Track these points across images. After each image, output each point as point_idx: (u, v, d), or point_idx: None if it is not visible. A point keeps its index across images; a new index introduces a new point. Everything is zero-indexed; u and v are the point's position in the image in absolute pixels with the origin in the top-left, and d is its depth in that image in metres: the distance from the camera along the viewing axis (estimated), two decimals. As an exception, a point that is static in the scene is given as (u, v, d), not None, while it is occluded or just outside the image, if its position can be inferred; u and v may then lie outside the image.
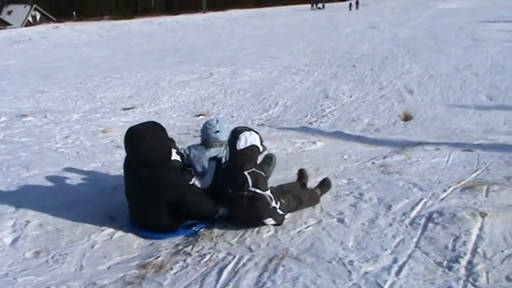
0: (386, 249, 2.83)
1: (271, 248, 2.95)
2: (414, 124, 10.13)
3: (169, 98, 13.35)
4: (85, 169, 4.61)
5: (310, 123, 10.82)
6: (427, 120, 10.34)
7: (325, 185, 3.77)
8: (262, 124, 10.31)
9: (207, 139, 3.67)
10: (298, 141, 6.12)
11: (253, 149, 3.09)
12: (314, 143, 6.22)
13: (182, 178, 3.27)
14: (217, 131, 3.62)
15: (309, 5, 49.85)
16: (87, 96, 14.00)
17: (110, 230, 3.32)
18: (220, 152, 3.59)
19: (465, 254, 2.70)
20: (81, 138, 5.94)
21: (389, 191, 3.76)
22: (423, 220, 3.16)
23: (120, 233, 3.30)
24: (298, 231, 3.13)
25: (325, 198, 3.66)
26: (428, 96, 12.29)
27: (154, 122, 3.25)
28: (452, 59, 16.27)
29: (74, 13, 43.37)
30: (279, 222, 3.17)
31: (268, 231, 3.16)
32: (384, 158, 5.14)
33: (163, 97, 13.48)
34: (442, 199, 3.54)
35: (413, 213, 3.28)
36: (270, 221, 3.14)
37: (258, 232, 3.15)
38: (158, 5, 50.81)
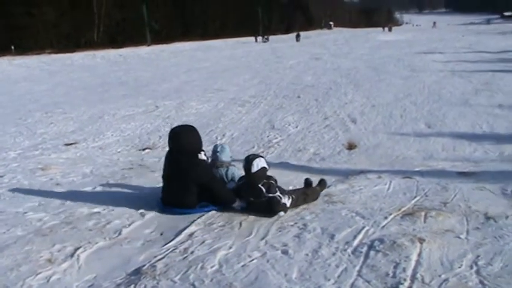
0: (329, 279, 2.86)
1: (215, 284, 2.92)
2: (358, 152, 10.38)
3: (114, 132, 13.10)
4: (20, 210, 4.43)
5: (257, 154, 10.87)
6: (370, 148, 10.62)
7: (322, 183, 4.99)
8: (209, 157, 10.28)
9: (212, 159, 4.79)
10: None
11: (263, 170, 4.27)
12: (260, 174, 6.25)
13: (211, 169, 4.49)
14: (218, 152, 4.78)
15: (254, 38, 50.78)
16: (27, 132, 13.53)
17: (47, 274, 3.20)
18: (223, 173, 4.73)
19: (405, 280, 2.78)
20: (18, 177, 5.72)
21: (333, 221, 3.83)
22: (365, 248, 3.22)
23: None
24: (243, 265, 3.12)
25: (270, 230, 3.68)
26: (371, 125, 12.67)
27: (191, 125, 4.53)
28: (392, 88, 16.92)
29: (13, 47, 42.19)
30: (285, 211, 4.21)
31: (212, 267, 3.13)
32: (328, 187, 5.23)
33: (108, 131, 13.21)
34: (383, 226, 3.64)
35: (356, 242, 3.35)
36: (281, 213, 4.18)
37: (201, 268, 3.12)
38: (101, 38, 50.19)
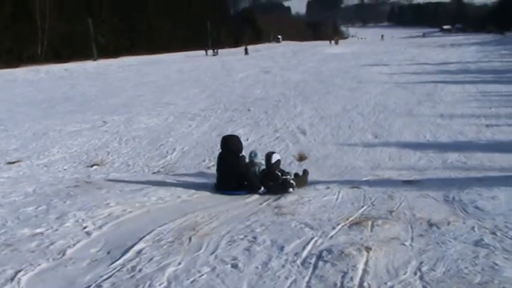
0: (279, 292, 2.87)
1: (164, 302, 2.87)
2: (308, 164, 10.51)
3: (60, 149, 12.72)
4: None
5: (208, 167, 10.83)
6: (320, 159, 10.79)
7: (306, 172, 6.89)
8: (158, 171, 10.15)
9: (249, 160, 6.57)
10: (193, 187, 6.11)
11: (278, 161, 6.32)
12: (210, 188, 6.24)
13: (247, 165, 6.36)
14: (253, 156, 6.70)
15: (203, 51, 50.79)
16: (-34, 151, 12.95)
17: None
18: (256, 169, 6.40)
19: (352, 289, 2.82)
20: (-46, 199, 5.44)
21: (282, 232, 3.86)
22: (314, 259, 3.26)
23: None
24: (192, 281, 3.09)
25: (220, 244, 3.66)
26: (320, 136, 12.88)
27: (235, 135, 7.18)
28: (340, 100, 17.30)
29: (-49, 63, 40.39)
30: (293, 189, 5.99)
31: (160, 284, 3.08)
32: (278, 199, 5.28)
33: (53, 148, 12.81)
34: (332, 237, 3.69)
35: (305, 253, 3.38)
36: (291, 190, 5.94)
37: (150, 286, 3.05)
38: (45, 52, 48.84)
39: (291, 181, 6.07)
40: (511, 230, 3.81)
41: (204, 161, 11.36)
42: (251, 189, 5.99)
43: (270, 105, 17.10)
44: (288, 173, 6.25)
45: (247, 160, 6.55)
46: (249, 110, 16.48)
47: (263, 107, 16.73)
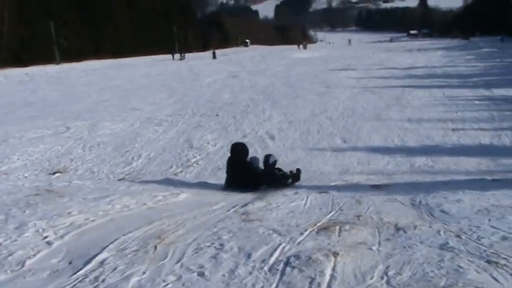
0: (246, 299, 2.87)
1: (128, 312, 2.83)
2: (277, 169, 10.59)
3: (21, 156, 12.44)
4: None
5: (175, 174, 10.78)
6: (288, 164, 10.85)
7: (298, 171, 7.82)
8: (123, 179, 10.03)
9: (263, 162, 7.61)
10: (159, 194, 6.05)
11: (275, 162, 7.56)
12: (177, 195, 6.21)
13: (253, 166, 7.42)
14: (267, 158, 7.64)
15: (170, 55, 50.47)
16: None
17: None
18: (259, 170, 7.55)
19: (320, 294, 2.85)
20: None
21: (250, 239, 3.86)
22: (281, 265, 3.27)
23: None
24: (157, 291, 3.06)
25: (186, 252, 3.64)
26: (289, 141, 12.99)
27: (242, 142, 8.38)
28: (308, 105, 17.47)
29: None
30: (290, 182, 7.54)
31: (125, 295, 3.04)
32: (246, 205, 5.28)
33: (13, 155, 12.51)
34: (299, 242, 3.72)
35: (272, 259, 3.39)
36: (289, 181, 7.46)
37: (114, 297, 3.02)
38: (5, 56, 47.69)
39: (287, 176, 7.52)
40: (475, 232, 3.91)
41: (172, 167, 11.30)
42: (255, 187, 7.09)
43: (238, 110, 17.14)
44: (284, 171, 7.62)
45: (261, 163, 7.65)
46: (217, 115, 16.48)
47: (231, 112, 16.75)
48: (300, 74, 27.79)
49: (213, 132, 14.30)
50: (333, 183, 8.07)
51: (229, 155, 7.82)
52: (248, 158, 7.59)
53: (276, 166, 7.69)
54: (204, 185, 8.02)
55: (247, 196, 6.26)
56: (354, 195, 5.70)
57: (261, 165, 7.60)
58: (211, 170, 11.02)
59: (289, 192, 6.21)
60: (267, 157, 7.60)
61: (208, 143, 13.15)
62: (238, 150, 7.53)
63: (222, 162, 11.40)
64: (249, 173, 7.22)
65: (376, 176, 9.40)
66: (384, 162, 11.04)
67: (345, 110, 16.22)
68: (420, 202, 5.47)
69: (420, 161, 11.07)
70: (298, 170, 7.83)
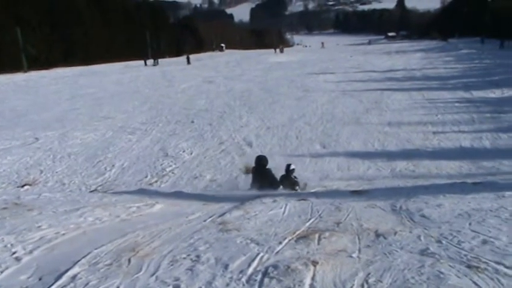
0: (224, 312, 2.86)
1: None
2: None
3: (-13, 169, 12.23)
4: None
5: (150, 184, 10.73)
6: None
7: (305, 185, 9.21)
8: (95, 190, 9.94)
9: (286, 170, 9.25)
10: (133, 206, 6.01)
11: (293, 170, 9.09)
12: (152, 205, 6.17)
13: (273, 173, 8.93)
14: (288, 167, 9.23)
15: (142, 61, 50.15)
16: None
17: None
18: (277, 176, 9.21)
19: (299, 304, 2.86)
20: None
21: (227, 250, 3.85)
22: (259, 276, 3.27)
23: None
24: (132, 306, 3.04)
25: (161, 264, 3.62)
26: (267, 148, 13.04)
27: (263, 155, 9.60)
28: (286, 110, 17.58)
29: None
30: (299, 188, 8.90)
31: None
32: (223, 214, 5.28)
33: (-21, 168, 12.31)
34: (278, 252, 3.72)
35: (250, 270, 3.39)
36: (297, 188, 8.84)
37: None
38: (-31, 64, 46.80)
39: (298, 183, 8.98)
40: (455, 237, 3.97)
41: (146, 177, 11.24)
42: (274, 188, 8.62)
43: (214, 116, 17.15)
44: (298, 179, 9.17)
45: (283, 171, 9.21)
46: (192, 122, 16.47)
47: (207, 119, 16.75)
48: (277, 78, 27.93)
49: (188, 140, 14.27)
50: (312, 190, 8.13)
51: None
52: (268, 167, 9.17)
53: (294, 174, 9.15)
54: (180, 195, 7.99)
55: (225, 205, 6.26)
56: (333, 202, 5.74)
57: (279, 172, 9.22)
58: (188, 178, 11.01)
59: (267, 200, 6.21)
60: (288, 166, 9.15)
61: (183, 151, 13.12)
62: (261, 160, 9.19)
63: (199, 171, 11.42)
64: (269, 178, 8.93)
65: (356, 182, 9.50)
66: (364, 167, 11.17)
67: (324, 115, 16.37)
68: (401, 207, 5.53)
69: (401, 165, 11.23)
70: (305, 184, 9.29)
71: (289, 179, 9.00)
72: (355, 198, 6.63)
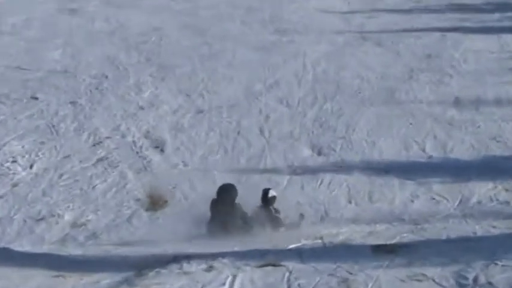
0: None
1: None
2: (169, 214, 10.72)
3: None
4: None
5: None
6: (193, 206, 11.03)
7: (302, 217, 10.43)
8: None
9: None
10: None
11: (274, 198, 10.45)
12: None
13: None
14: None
15: None
16: None
17: None
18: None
19: None
20: None
21: None
22: None
23: None
24: None
25: None
26: (197, 154, 13.21)
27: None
28: (239, 72, 17.55)
29: None
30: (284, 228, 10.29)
31: None
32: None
33: None
34: None
35: None
36: (282, 230, 10.15)
37: None
38: None
39: (281, 221, 10.06)
40: None
41: None
42: (245, 230, 9.88)
43: (83, 86, 17.10)
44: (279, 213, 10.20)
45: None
46: (35, 99, 16.36)
47: (67, 92, 16.68)
48: (219, 3, 27.95)
49: (24, 138, 14.16)
50: (293, 245, 8.19)
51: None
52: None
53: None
54: (5, 257, 8.00)
55: (103, 280, 6.24)
56: (336, 270, 5.82)
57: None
58: (23, 221, 10.97)
59: (194, 265, 6.23)
60: (266, 192, 10.31)
61: (14, 160, 13.05)
62: (229, 192, 10.35)
63: (48, 205, 11.40)
64: (238, 215, 10.10)
65: (385, 226, 9.62)
66: (403, 196, 11.31)
67: (319, 83, 16.46)
68: (476, 280, 5.64)
69: (482, 190, 11.38)
70: (302, 216, 10.45)
71: (267, 214, 10.06)
72: (383, 261, 6.71)
